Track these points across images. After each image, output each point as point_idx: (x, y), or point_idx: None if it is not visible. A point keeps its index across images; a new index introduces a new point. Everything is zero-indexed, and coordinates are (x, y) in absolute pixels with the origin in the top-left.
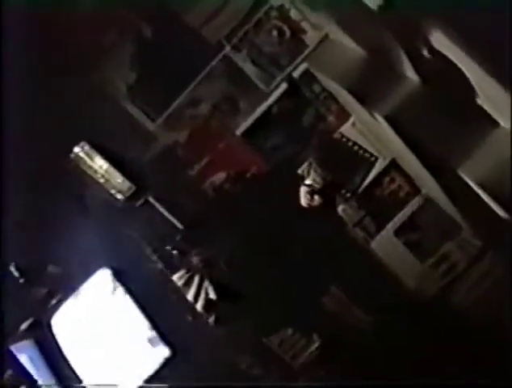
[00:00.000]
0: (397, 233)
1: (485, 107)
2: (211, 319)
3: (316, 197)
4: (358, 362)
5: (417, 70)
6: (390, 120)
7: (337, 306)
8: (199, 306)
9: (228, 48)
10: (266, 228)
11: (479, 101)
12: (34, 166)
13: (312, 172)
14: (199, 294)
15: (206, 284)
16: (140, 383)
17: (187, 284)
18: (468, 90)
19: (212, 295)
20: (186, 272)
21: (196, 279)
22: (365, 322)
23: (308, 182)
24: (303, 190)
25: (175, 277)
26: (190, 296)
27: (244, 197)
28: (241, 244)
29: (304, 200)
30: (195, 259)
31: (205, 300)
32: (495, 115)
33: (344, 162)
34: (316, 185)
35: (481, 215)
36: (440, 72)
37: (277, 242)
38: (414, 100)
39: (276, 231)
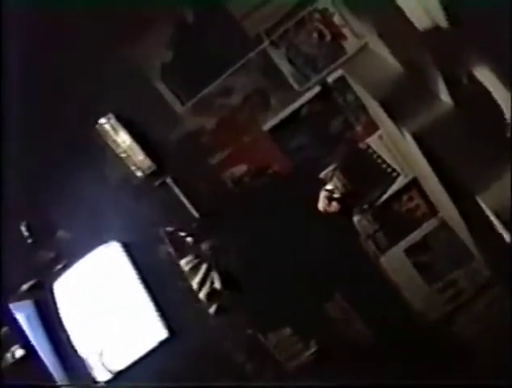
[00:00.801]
0: (408, 252)
1: None
2: (213, 309)
3: (333, 203)
4: (353, 374)
5: (451, 94)
6: (417, 138)
7: (340, 315)
8: (202, 294)
9: (266, 43)
10: (281, 226)
11: (508, 134)
12: (59, 130)
13: (334, 178)
14: (204, 282)
15: (213, 273)
16: (133, 360)
17: (194, 270)
18: (499, 121)
19: (218, 285)
20: (195, 258)
21: (204, 267)
22: (364, 335)
23: (328, 187)
24: (322, 194)
25: (183, 262)
26: (195, 283)
27: (262, 193)
28: (253, 239)
29: (321, 205)
30: (204, 246)
31: (210, 288)
32: None
33: (366, 173)
34: (336, 191)
35: (495, 246)
36: (475, 99)
37: (289, 241)
38: (444, 123)
39: (290, 231)
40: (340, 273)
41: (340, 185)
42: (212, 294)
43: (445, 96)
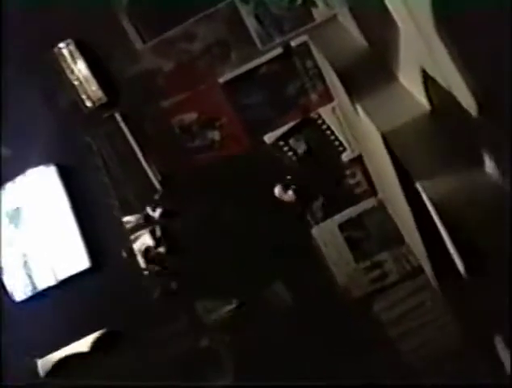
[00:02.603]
0: (342, 227)
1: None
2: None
3: (289, 192)
4: (269, 337)
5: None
6: (371, 117)
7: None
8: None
9: None
10: (217, 176)
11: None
12: (16, 46)
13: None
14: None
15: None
16: (52, 283)
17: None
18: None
19: (163, 249)
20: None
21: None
22: (286, 300)
23: (288, 177)
24: (278, 185)
25: (126, 219)
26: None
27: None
28: (190, 188)
29: (277, 190)
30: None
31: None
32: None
33: (312, 143)
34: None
35: (429, 236)
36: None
37: (226, 190)
38: (408, 118)
39: (226, 180)
40: (272, 236)
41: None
42: (154, 257)
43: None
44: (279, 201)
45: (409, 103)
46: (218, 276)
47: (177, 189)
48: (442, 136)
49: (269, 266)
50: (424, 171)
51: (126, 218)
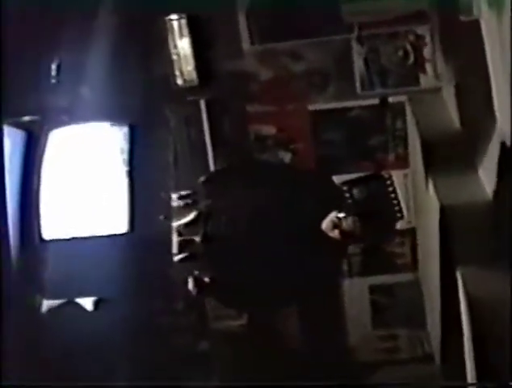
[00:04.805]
0: (372, 289)
1: None
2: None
3: (336, 231)
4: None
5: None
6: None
7: (283, 322)
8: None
9: (354, 35)
10: (277, 203)
11: None
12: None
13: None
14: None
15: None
16: (84, 235)
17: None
18: None
19: (198, 238)
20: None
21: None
22: (295, 338)
23: (340, 215)
24: (331, 216)
25: (175, 196)
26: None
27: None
28: (246, 201)
29: (325, 225)
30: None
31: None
32: None
33: (374, 199)
34: (343, 223)
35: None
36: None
37: (280, 221)
38: (473, 201)
39: (285, 211)
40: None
41: (351, 222)
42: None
43: (483, 176)
44: (322, 238)
45: (478, 191)
46: (240, 286)
47: (232, 186)
48: (499, 226)
49: (290, 303)
50: (469, 260)
51: (175, 199)
